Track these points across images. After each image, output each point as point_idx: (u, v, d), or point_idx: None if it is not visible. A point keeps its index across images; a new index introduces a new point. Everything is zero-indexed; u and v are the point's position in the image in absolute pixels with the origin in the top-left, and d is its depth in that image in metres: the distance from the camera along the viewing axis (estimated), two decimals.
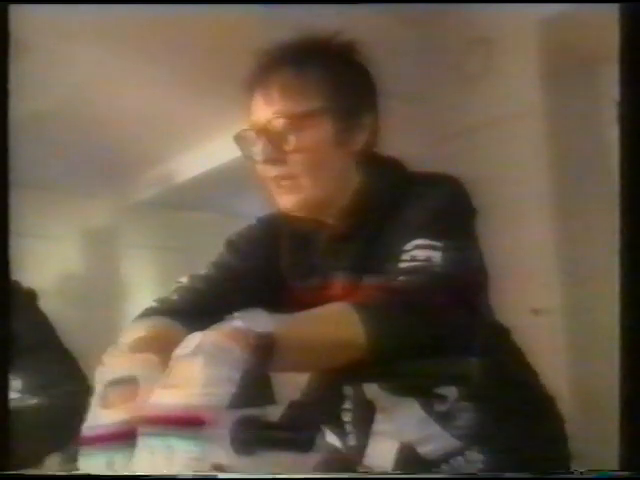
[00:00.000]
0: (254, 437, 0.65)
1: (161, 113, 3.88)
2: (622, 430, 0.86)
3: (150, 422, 0.65)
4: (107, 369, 0.76)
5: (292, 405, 0.70)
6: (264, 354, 0.70)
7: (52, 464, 1.30)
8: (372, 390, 0.99)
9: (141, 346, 0.81)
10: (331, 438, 1.08)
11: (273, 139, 0.97)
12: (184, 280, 1.03)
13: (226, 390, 0.65)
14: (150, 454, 0.63)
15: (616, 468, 0.84)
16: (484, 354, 0.85)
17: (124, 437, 0.70)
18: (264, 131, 0.98)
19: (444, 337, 0.83)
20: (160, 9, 2.49)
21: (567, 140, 3.05)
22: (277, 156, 0.98)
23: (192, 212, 5.54)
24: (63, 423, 1.09)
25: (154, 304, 0.99)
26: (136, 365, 0.75)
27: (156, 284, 5.21)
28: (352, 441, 1.03)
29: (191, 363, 0.67)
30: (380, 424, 1.00)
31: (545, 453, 1.01)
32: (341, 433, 1.05)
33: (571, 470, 0.98)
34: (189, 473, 0.63)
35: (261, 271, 1.06)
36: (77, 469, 0.71)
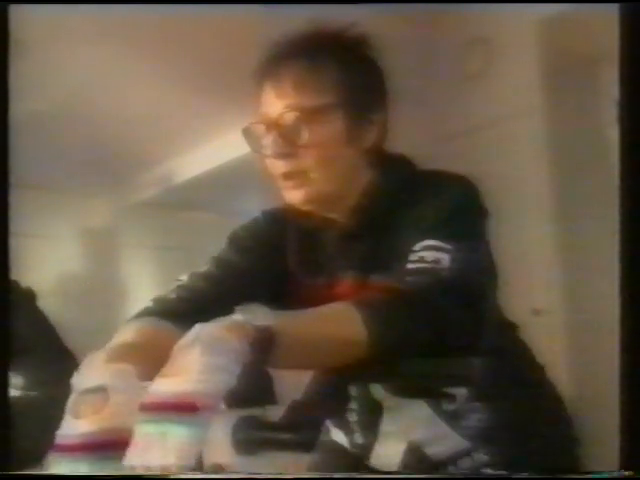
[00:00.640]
0: (254, 437, 0.66)
1: (161, 113, 3.88)
2: (622, 430, 0.86)
3: (145, 409, 0.65)
4: (80, 377, 0.76)
5: (293, 405, 0.70)
6: (262, 347, 0.70)
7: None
8: (379, 390, 0.99)
9: (121, 353, 0.79)
10: (337, 436, 1.07)
11: (284, 133, 0.96)
12: (184, 278, 1.02)
13: (221, 378, 0.66)
14: (145, 441, 0.64)
15: (616, 468, 0.84)
16: (492, 354, 0.84)
17: (90, 449, 0.69)
18: (275, 125, 0.96)
19: (446, 338, 0.82)
20: (160, 9, 2.49)
21: (567, 140, 3.05)
22: (287, 150, 0.96)
23: (192, 212, 5.54)
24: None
25: (150, 304, 0.98)
26: (107, 375, 0.74)
27: (156, 284, 5.21)
28: (359, 440, 1.03)
29: (188, 352, 0.67)
30: (387, 424, 1.00)
31: (554, 454, 1.00)
32: (347, 432, 1.04)
33: (571, 470, 0.98)
34: (189, 473, 0.63)
35: (265, 267, 1.04)
36: None
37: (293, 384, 0.82)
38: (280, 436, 0.67)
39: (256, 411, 0.67)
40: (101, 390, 0.73)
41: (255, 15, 2.55)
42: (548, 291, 2.91)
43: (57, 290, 4.38)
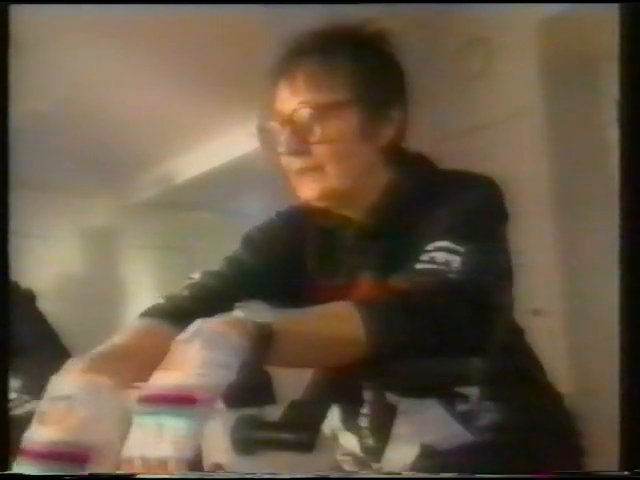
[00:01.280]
0: (254, 437, 0.65)
1: (161, 113, 3.88)
2: (622, 430, 0.86)
3: (143, 401, 0.65)
4: (54, 383, 0.75)
5: (292, 405, 0.70)
6: (262, 344, 0.70)
7: None
8: (393, 394, 0.98)
9: (101, 362, 0.78)
10: (347, 440, 1.06)
11: (298, 130, 0.95)
12: (196, 276, 1.01)
13: (220, 373, 0.66)
14: (142, 433, 0.64)
15: (616, 468, 0.84)
16: (500, 355, 0.84)
17: (48, 458, 0.69)
18: (289, 121, 0.96)
19: (449, 340, 0.82)
20: (160, 9, 2.49)
21: (567, 140, 3.05)
22: (301, 147, 0.95)
23: (192, 212, 5.55)
24: None
25: (162, 301, 0.97)
26: (77, 386, 0.74)
27: (156, 284, 5.22)
28: (370, 443, 1.02)
29: (188, 347, 0.67)
30: (400, 427, 0.99)
31: (561, 459, 0.99)
32: (359, 436, 1.03)
33: (572, 471, 0.98)
34: (189, 473, 0.63)
35: (280, 268, 1.03)
36: None
37: (292, 383, 0.82)
38: (279, 436, 0.66)
39: (255, 411, 0.67)
40: (68, 399, 0.72)
41: (255, 15, 2.55)
42: (548, 291, 2.91)
43: (57, 290, 4.38)
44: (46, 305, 1.61)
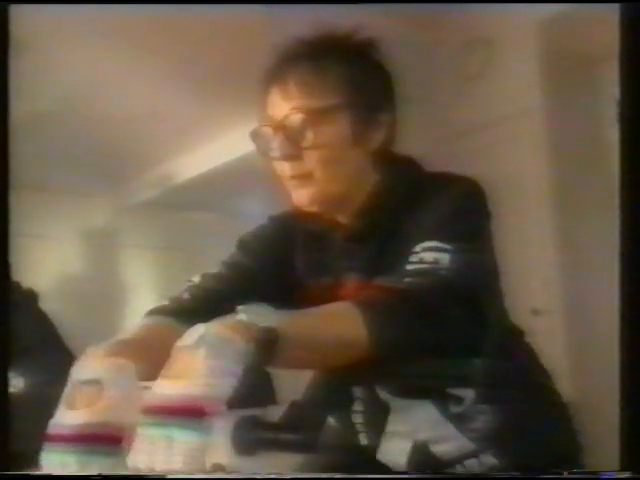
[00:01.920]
0: (255, 437, 0.65)
1: (161, 113, 3.88)
2: (622, 430, 0.86)
3: (150, 412, 0.65)
4: (78, 368, 0.75)
5: (293, 405, 0.69)
6: (267, 348, 0.69)
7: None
8: (386, 392, 0.98)
9: (121, 349, 0.79)
10: (341, 437, 1.06)
11: (290, 135, 0.96)
12: (195, 279, 1.02)
13: (228, 382, 0.65)
14: (150, 444, 0.63)
15: (616, 468, 0.84)
16: (498, 356, 0.84)
17: (80, 441, 0.69)
18: (281, 127, 0.97)
19: (447, 339, 0.83)
20: (160, 9, 2.49)
21: (567, 140, 3.06)
22: (293, 152, 0.96)
23: (192, 212, 5.55)
24: None
25: (165, 302, 0.98)
26: (104, 369, 0.74)
27: (156, 284, 5.22)
28: (364, 441, 1.03)
29: (193, 354, 0.67)
30: (394, 425, 1.00)
31: (558, 460, 1.00)
32: (352, 433, 1.04)
33: (572, 471, 0.98)
34: (189, 473, 0.63)
35: (273, 270, 1.05)
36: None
37: (293, 384, 0.82)
38: (281, 436, 0.66)
39: (256, 411, 0.67)
40: (96, 383, 0.73)
41: (256, 16, 2.56)
42: (548, 291, 2.92)
43: (58, 290, 4.38)
44: (46, 305, 1.61)
